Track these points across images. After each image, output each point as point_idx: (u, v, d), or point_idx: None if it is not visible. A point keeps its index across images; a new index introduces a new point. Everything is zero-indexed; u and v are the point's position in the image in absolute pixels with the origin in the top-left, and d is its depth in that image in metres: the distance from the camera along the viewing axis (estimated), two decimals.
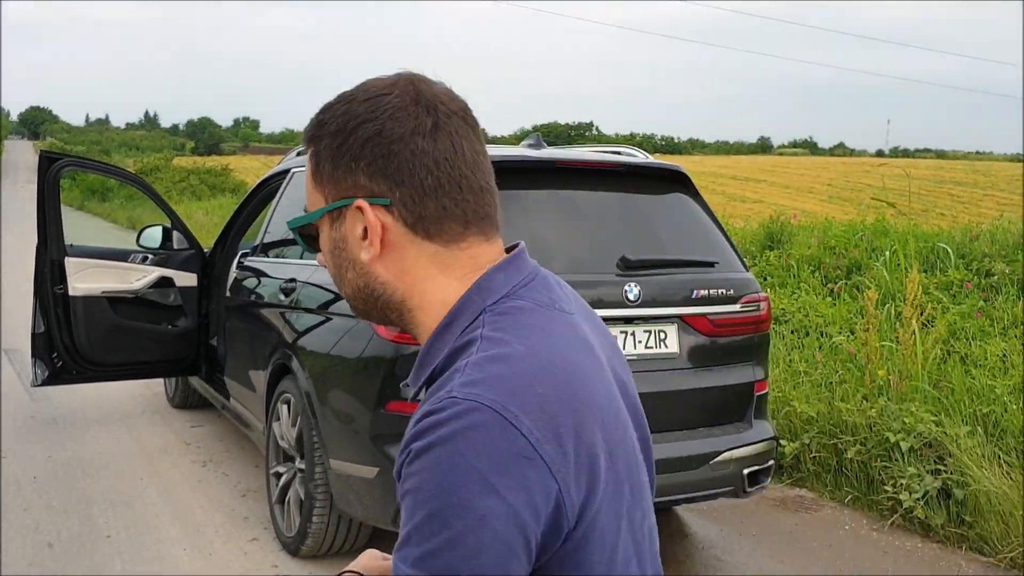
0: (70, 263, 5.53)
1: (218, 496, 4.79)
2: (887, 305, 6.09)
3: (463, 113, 1.08)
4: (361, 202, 1.05)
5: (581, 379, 1.02)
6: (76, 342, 5.57)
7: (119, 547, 4.08)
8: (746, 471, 3.78)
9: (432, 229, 1.06)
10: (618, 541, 1.02)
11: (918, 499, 4.42)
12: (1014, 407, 4.68)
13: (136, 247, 5.91)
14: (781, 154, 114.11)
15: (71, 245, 5.59)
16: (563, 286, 1.18)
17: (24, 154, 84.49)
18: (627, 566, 1.04)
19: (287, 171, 5.20)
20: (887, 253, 7.27)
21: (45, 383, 5.60)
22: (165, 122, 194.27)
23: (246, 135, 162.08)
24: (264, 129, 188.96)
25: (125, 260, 5.77)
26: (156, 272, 5.81)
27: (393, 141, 1.03)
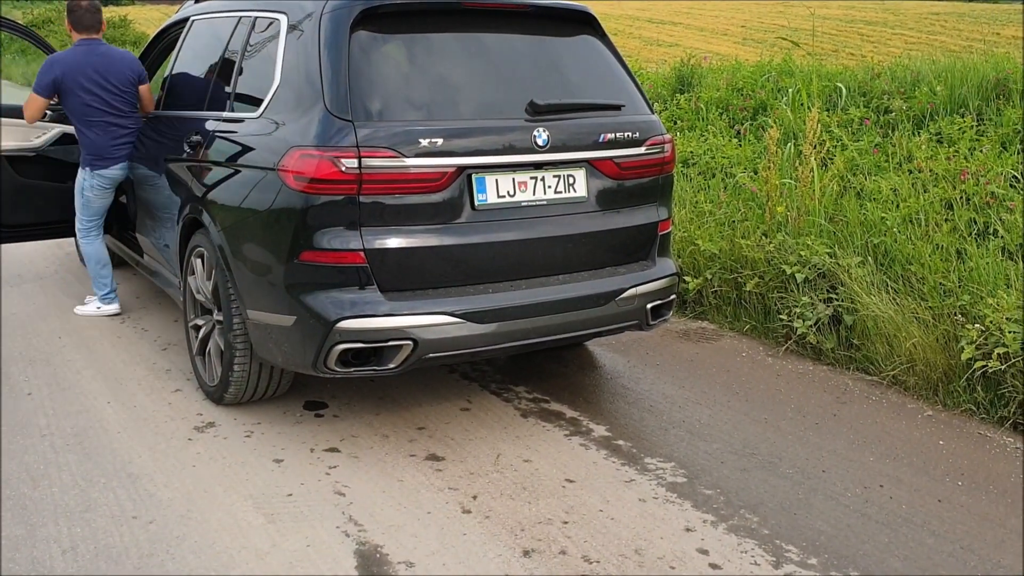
0: None
1: (138, 351, 4.83)
2: (789, 144, 6.27)
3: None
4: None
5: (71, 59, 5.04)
6: None
7: (42, 403, 4.12)
8: (649, 305, 3.97)
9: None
10: (77, 99, 5.03)
11: (811, 326, 4.72)
12: (902, 237, 4.96)
13: None
14: None
15: None
16: (94, 53, 5.08)
17: None
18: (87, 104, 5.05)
19: (186, 19, 5.02)
20: (791, 92, 7.41)
21: None
22: None
23: None
24: None
25: (22, 116, 5.55)
26: (56, 129, 5.62)
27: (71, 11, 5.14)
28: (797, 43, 7.97)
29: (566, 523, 3.15)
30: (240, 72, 4.15)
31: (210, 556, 2.93)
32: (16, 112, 5.56)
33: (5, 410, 4.05)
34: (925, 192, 5.45)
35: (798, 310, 4.80)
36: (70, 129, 5.63)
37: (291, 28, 3.79)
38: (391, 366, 3.51)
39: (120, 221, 5.75)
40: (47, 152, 5.61)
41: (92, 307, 5.41)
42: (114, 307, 5.42)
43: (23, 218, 5.58)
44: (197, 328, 4.25)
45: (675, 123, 8.10)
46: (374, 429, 3.88)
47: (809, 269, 4.90)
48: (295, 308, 3.50)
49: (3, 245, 6.01)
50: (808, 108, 6.73)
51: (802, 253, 4.98)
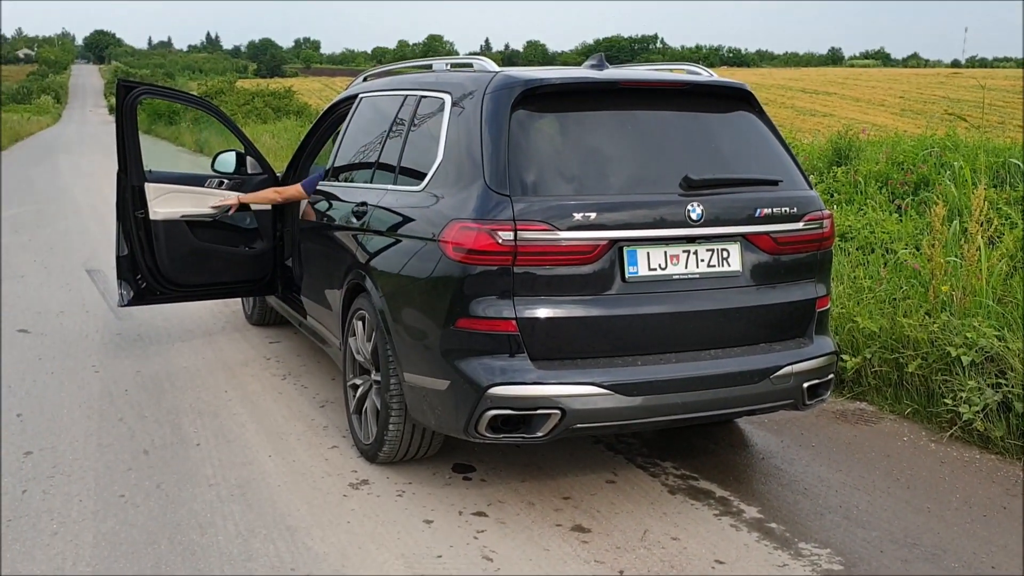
0: (150, 188, 5.76)
1: (298, 407, 5.06)
2: (954, 221, 6.03)
3: None
4: None
5: None
6: (159, 264, 5.84)
7: (209, 454, 4.36)
8: (806, 384, 3.86)
9: None
10: None
11: (978, 412, 4.47)
12: None
13: (211, 172, 6.12)
14: (852, 66, 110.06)
15: (150, 171, 5.82)
16: None
17: (90, 78, 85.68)
18: None
19: (355, 96, 5.32)
20: (955, 168, 7.14)
21: (131, 303, 5.89)
22: (227, 43, 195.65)
23: (307, 56, 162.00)
24: (325, 50, 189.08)
25: (201, 185, 5.99)
26: (232, 196, 6.02)
27: None
28: (963, 117, 7.70)
29: None
30: (405, 147, 4.35)
31: None
32: (195, 180, 6.00)
33: (178, 458, 4.31)
34: None
35: (964, 394, 4.56)
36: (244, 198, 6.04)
37: (454, 106, 3.97)
38: (539, 434, 3.54)
39: (285, 282, 6.09)
40: (222, 218, 6.01)
41: None
42: None
43: (198, 278, 5.98)
44: (355, 387, 4.42)
45: (832, 196, 7.93)
46: (520, 496, 3.91)
47: (976, 352, 4.66)
48: (449, 373, 3.60)
49: (173, 303, 6.41)
50: (974, 184, 6.47)
51: (968, 335, 4.75)
